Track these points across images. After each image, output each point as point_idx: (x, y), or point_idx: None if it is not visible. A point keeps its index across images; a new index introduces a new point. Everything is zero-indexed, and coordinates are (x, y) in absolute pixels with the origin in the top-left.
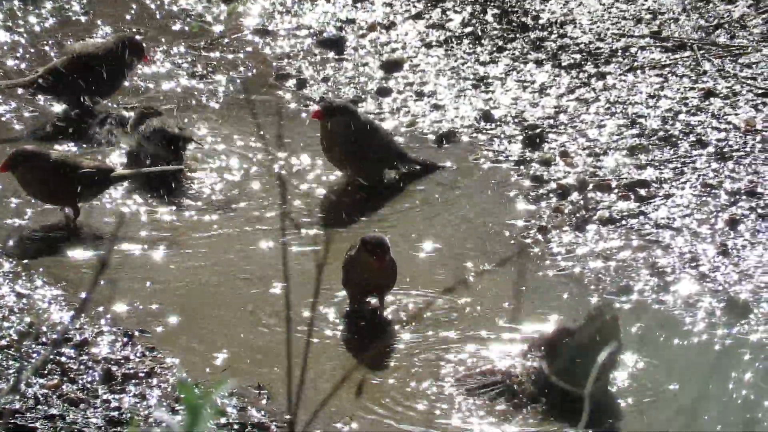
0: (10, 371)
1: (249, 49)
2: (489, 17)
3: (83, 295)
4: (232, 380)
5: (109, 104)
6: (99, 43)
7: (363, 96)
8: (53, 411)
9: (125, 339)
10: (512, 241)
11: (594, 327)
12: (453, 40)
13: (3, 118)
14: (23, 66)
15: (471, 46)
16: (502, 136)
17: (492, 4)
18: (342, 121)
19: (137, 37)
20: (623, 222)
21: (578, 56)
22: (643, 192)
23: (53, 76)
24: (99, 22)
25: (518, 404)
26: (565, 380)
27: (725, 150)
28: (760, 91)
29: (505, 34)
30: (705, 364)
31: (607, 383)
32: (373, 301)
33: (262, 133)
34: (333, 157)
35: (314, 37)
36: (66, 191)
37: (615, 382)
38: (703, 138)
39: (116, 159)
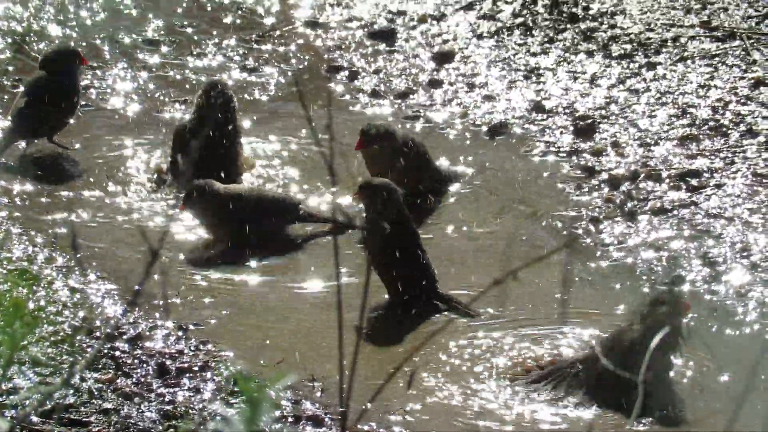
0: (64, 365)
1: (300, 41)
2: (539, 8)
3: (136, 288)
4: (291, 374)
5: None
6: None
7: (414, 87)
8: (107, 405)
9: (179, 332)
10: (564, 232)
11: (658, 314)
12: (504, 31)
13: None
14: None
15: (522, 36)
16: (554, 126)
17: None
18: (384, 147)
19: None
20: (675, 212)
21: (629, 46)
22: (694, 182)
23: None
24: (150, 15)
25: (573, 392)
26: (622, 368)
27: None
28: None
29: (556, 25)
30: (756, 354)
31: (665, 370)
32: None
33: (314, 125)
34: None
35: (365, 29)
36: None
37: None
38: (753, 127)
39: None
